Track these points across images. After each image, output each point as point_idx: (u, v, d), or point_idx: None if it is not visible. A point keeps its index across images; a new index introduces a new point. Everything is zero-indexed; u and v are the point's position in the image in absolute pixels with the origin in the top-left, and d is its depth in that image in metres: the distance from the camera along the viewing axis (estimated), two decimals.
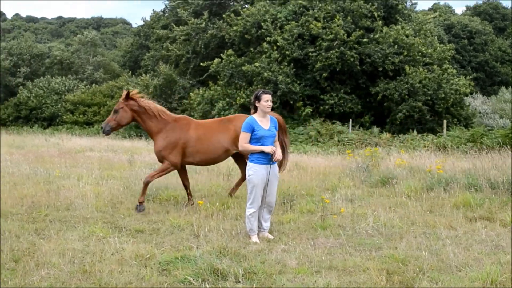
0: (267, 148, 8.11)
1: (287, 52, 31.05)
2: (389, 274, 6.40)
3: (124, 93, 10.65)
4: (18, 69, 60.99)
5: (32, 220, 9.40)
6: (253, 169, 8.23)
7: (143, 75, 41.72)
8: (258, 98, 8.28)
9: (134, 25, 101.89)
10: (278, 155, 8.25)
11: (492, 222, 9.17)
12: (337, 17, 30.64)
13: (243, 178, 10.92)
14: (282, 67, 30.76)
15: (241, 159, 11.06)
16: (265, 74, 29.96)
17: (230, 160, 11.72)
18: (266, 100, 8.23)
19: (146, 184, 10.45)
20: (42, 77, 55.34)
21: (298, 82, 30.97)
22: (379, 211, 9.86)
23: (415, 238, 8.16)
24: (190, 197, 11.00)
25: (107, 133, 10.70)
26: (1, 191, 11.42)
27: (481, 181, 11.94)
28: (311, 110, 30.43)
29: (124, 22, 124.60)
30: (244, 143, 8.28)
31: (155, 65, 44.26)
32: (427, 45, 32.43)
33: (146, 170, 15.25)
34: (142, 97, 10.80)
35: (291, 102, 30.75)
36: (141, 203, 10.23)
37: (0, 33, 49.26)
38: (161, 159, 10.68)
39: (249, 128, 8.22)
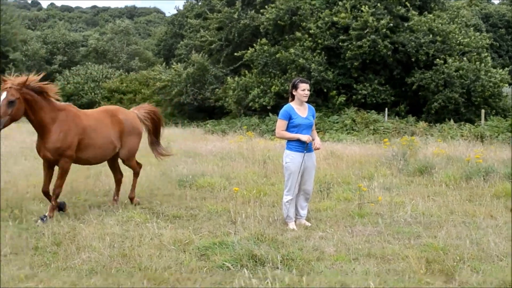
0: (304, 137, 8.11)
1: (319, 41, 30.83)
2: (428, 262, 6.33)
3: (21, 79, 8.32)
4: (54, 57, 61.81)
5: (72, 205, 9.52)
6: (290, 156, 8.24)
7: (176, 64, 41.87)
8: (295, 87, 8.30)
9: (167, 14, 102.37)
10: (318, 143, 8.30)
11: None
12: (365, 6, 30.20)
13: (120, 180, 10.17)
14: (314, 55, 30.56)
15: (115, 161, 10.11)
16: (300, 61, 29.82)
17: (267, 146, 11.67)
18: (303, 89, 8.24)
19: (57, 196, 8.77)
20: (78, 65, 56.00)
21: (332, 70, 30.75)
22: (417, 200, 9.77)
23: (455, 227, 8.06)
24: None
25: None
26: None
27: None
28: (344, 99, 30.18)
29: (158, 11, 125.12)
30: (281, 131, 8.29)
31: (189, 54, 44.39)
32: (464, 34, 31.76)
33: (182, 157, 15.31)
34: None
35: (325, 91, 30.55)
36: (51, 217, 8.44)
37: None
38: (57, 157, 8.66)
39: (286, 115, 8.22)
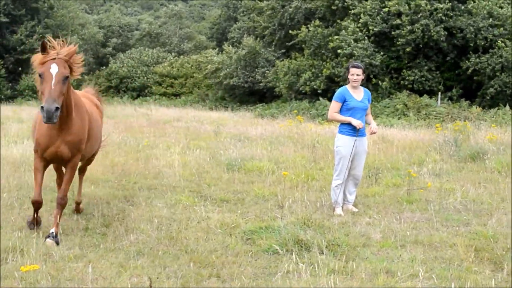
0: (355, 122, 8.05)
1: (370, 27, 30.36)
2: (477, 250, 6.23)
3: (70, 49, 6.52)
4: (109, 40, 62.79)
5: (122, 188, 9.70)
6: (341, 140, 8.23)
7: (228, 47, 42.00)
8: (348, 70, 8.34)
9: None
10: (374, 128, 8.33)
11: None
12: None
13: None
14: (360, 38, 30.09)
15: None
16: (346, 50, 29.44)
17: (317, 131, 11.56)
18: (352, 74, 8.23)
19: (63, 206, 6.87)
20: (133, 48, 56.75)
21: (382, 53, 30.27)
22: (468, 187, 9.61)
23: (506, 215, 7.90)
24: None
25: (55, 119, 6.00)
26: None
27: None
28: (387, 84, 29.67)
29: None
30: (334, 113, 8.27)
31: (242, 37, 44.44)
32: None
33: (232, 140, 15.40)
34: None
35: (371, 76, 30.09)
36: (57, 234, 6.56)
37: None
38: (75, 153, 6.78)
39: (341, 98, 8.22)
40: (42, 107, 5.89)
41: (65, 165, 6.98)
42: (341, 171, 8.26)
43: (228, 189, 9.71)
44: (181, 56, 53.76)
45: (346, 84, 8.43)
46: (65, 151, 6.63)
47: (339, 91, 8.34)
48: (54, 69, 6.11)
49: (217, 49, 52.03)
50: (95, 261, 5.86)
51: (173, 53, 55.84)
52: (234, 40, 47.88)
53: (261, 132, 17.57)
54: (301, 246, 6.26)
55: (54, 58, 6.20)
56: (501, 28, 28.70)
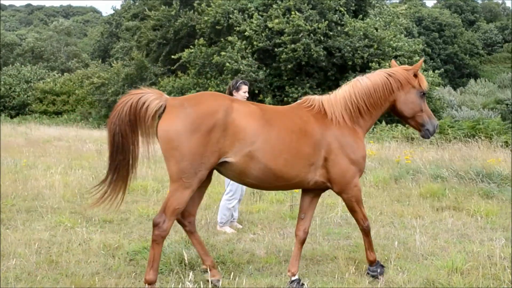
0: None
1: (254, 42, 30.90)
2: (357, 263, 6.44)
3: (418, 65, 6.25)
4: None
5: None
6: None
7: (115, 62, 41.31)
8: (237, 88, 8.28)
9: (104, 14, 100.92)
10: None
11: (458, 212, 9.31)
12: (295, 12, 30.50)
13: None
14: (245, 55, 30.59)
15: None
16: (228, 65, 29.80)
17: None
18: (245, 91, 8.28)
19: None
20: (11, 65, 54.59)
21: (265, 70, 30.88)
22: None
23: (383, 228, 8.25)
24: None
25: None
26: None
27: (448, 171, 12.08)
28: (270, 101, 30.27)
29: (94, 11, 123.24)
30: None
31: (125, 55, 43.90)
32: (398, 39, 32.44)
33: None
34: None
35: (257, 92, 30.60)
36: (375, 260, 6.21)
37: None
38: (345, 185, 5.90)
39: None
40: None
41: None
42: (236, 191, 8.31)
43: (111, 209, 9.48)
44: (65, 74, 52.37)
45: None
46: None
47: None
48: None
49: (100, 61, 51.15)
50: None
51: (56, 71, 54.25)
52: (118, 58, 47.06)
53: (144, 151, 17.29)
54: (185, 265, 6.22)
55: None
56: (374, 48, 30.20)
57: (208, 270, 5.85)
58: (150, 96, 5.51)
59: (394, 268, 6.32)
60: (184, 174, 5.28)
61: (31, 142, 21.21)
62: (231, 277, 5.87)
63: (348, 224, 8.50)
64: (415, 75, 6.19)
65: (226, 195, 8.41)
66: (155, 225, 5.39)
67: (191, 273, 5.86)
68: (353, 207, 6.01)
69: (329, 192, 10.88)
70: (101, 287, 5.71)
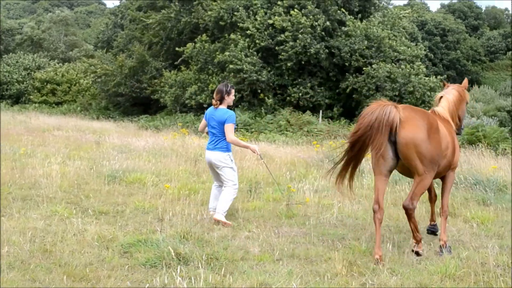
0: (254, 148, 8.77)
1: (257, 41, 30.87)
2: (350, 264, 6.44)
3: None
4: None
5: None
6: (231, 156, 8.64)
7: (121, 54, 41.21)
8: (228, 93, 8.57)
9: (109, 6, 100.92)
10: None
11: (454, 218, 9.31)
12: (296, 9, 30.50)
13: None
14: (248, 54, 30.54)
15: None
16: (233, 66, 29.73)
17: (200, 144, 11.49)
18: (234, 94, 8.71)
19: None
20: (12, 53, 54.49)
21: (269, 69, 30.85)
22: (345, 202, 9.92)
23: None
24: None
25: None
26: None
27: None
28: (272, 101, 30.26)
29: (99, 2, 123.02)
30: (234, 136, 8.56)
31: (128, 44, 43.81)
32: (400, 43, 32.41)
33: (114, 151, 15.13)
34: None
35: (259, 91, 30.57)
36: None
37: None
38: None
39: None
40: None
41: None
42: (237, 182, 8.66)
43: (108, 201, 9.51)
44: (66, 64, 52.24)
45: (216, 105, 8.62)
46: None
47: (234, 114, 8.60)
48: None
49: (105, 51, 51.07)
50: None
51: (57, 60, 54.13)
52: (120, 48, 46.89)
53: (145, 144, 17.34)
54: (180, 260, 6.23)
55: None
56: (374, 49, 30.19)
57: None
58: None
59: (387, 271, 6.31)
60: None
61: (30, 131, 21.22)
62: (223, 273, 5.88)
63: (343, 226, 8.51)
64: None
65: (234, 185, 8.55)
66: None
67: (184, 268, 5.89)
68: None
69: (325, 193, 10.96)
70: (94, 278, 5.71)
